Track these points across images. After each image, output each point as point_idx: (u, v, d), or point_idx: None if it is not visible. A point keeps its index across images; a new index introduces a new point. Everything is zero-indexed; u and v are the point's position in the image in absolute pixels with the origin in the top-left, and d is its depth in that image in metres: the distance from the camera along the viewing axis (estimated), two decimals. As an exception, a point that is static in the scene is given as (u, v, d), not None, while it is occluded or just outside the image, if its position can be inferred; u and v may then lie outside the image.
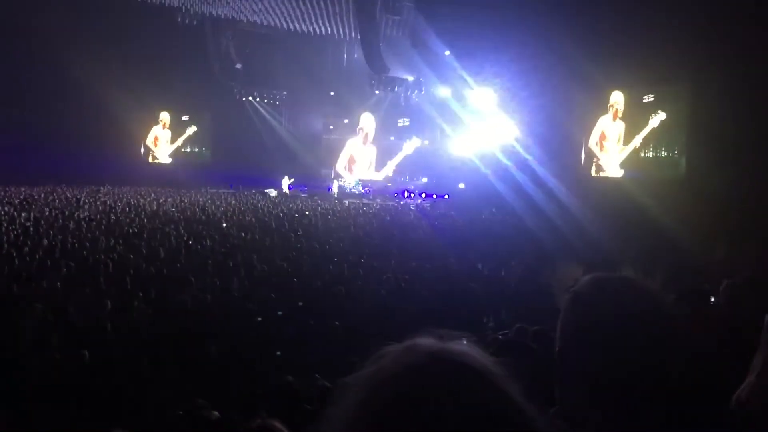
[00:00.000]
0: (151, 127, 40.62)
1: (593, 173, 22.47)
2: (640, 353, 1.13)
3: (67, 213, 18.28)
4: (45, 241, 12.85)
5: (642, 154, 20.93)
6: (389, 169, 34.66)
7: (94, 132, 33.18)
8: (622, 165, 21.39)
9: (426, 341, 0.81)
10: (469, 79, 25.30)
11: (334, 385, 4.31)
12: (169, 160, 40.35)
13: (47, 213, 18.19)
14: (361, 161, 35.95)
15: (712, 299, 4.92)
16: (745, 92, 15.00)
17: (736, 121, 15.08)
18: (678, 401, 1.15)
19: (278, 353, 6.75)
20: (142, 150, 40.62)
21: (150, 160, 40.61)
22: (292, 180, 31.37)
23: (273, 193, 30.60)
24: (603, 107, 22.13)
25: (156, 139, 40.66)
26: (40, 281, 9.05)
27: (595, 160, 22.45)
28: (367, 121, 35.58)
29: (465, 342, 0.84)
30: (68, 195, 24.61)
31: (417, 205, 27.27)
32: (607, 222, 16.36)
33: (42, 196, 23.64)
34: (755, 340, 1.91)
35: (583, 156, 22.87)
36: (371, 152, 35.77)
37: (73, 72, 31.11)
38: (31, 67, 31.92)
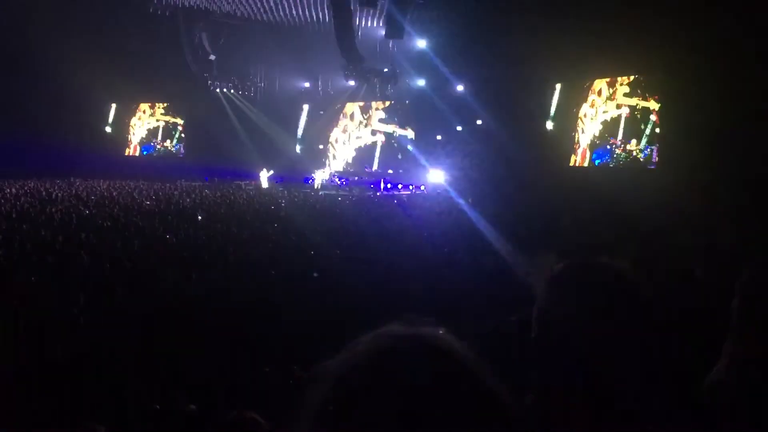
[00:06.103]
0: (127, 120, 40.38)
1: (569, 164, 22.68)
2: (616, 336, 1.14)
3: (39, 206, 18.01)
4: (17, 236, 12.66)
5: (615, 144, 21.19)
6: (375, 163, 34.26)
7: (65, 124, 32.74)
8: (597, 154, 21.67)
9: (396, 327, 0.82)
10: (444, 70, 25.29)
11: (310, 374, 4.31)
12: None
13: (19, 206, 17.92)
14: (345, 153, 35.77)
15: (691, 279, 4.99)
16: (717, 83, 15.22)
17: (706, 111, 15.30)
18: (654, 384, 1.16)
19: (255, 345, 6.73)
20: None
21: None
22: (271, 172, 31.08)
23: (264, 178, 30.52)
24: (579, 98, 22.33)
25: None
26: (13, 275, 8.93)
27: (574, 149, 22.68)
28: (352, 110, 35.43)
29: (438, 329, 0.84)
30: (39, 188, 24.22)
31: (393, 196, 27.21)
32: (581, 210, 16.49)
33: (13, 190, 23.24)
34: (725, 325, 1.93)
35: (560, 147, 23.06)
36: (356, 143, 35.53)
37: (41, 62, 30.60)
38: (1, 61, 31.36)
